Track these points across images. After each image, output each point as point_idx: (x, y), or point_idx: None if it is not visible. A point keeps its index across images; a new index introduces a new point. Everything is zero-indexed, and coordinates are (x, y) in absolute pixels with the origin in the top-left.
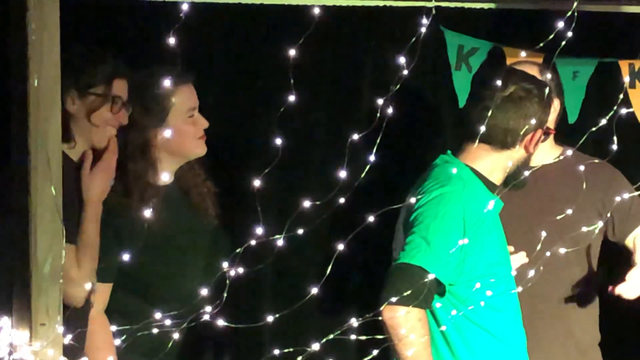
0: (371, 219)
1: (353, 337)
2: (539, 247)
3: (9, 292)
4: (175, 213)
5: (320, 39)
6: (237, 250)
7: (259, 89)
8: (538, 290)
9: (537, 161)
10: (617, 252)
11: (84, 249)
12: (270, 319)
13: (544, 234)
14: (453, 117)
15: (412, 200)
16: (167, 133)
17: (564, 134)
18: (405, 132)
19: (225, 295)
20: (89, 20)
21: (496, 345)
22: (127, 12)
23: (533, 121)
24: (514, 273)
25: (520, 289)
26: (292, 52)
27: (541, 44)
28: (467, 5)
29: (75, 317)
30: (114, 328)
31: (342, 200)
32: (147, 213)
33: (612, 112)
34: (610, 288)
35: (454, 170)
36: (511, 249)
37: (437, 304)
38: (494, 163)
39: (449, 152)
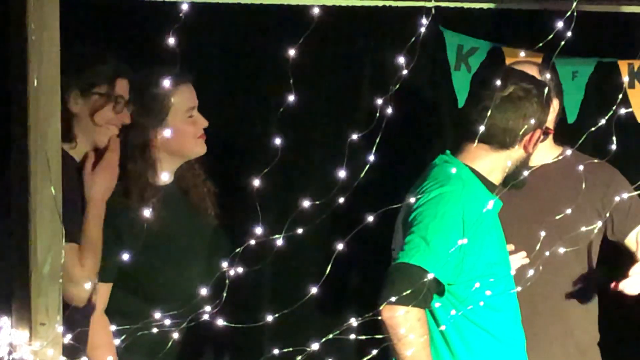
0: (370, 218)
1: (352, 336)
2: (538, 247)
3: (8, 292)
4: (175, 213)
5: (319, 39)
6: (237, 250)
7: (259, 89)
8: (537, 290)
9: (536, 161)
10: (617, 252)
11: (87, 248)
12: (269, 318)
13: (543, 233)
14: (452, 117)
15: (412, 200)
16: (166, 133)
17: (563, 134)
18: (405, 132)
19: (224, 295)
20: (88, 20)
21: (495, 345)
22: (126, 12)
23: (532, 121)
24: (513, 273)
25: (519, 288)
26: (292, 52)
27: (540, 44)
28: (466, 5)
29: (77, 317)
30: (113, 328)
31: (341, 200)
32: (147, 213)
33: (611, 112)
34: (613, 284)
35: (453, 170)
36: (511, 247)
37: (437, 304)
38: (493, 163)
39: (448, 152)
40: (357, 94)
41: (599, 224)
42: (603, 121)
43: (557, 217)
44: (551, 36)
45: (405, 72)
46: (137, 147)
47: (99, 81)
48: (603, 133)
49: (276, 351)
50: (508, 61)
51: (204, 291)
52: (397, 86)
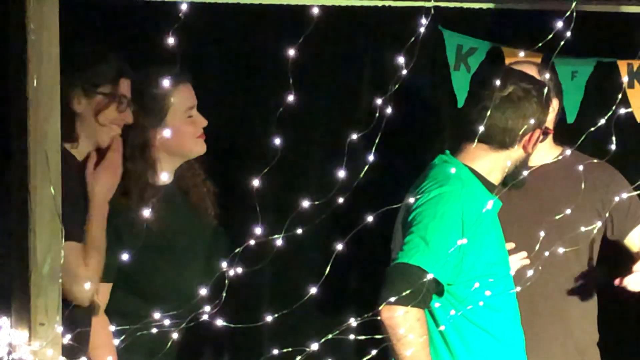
0: (370, 218)
1: (352, 337)
2: (537, 246)
3: (8, 292)
4: (174, 213)
5: (319, 39)
6: (237, 250)
7: (258, 89)
8: (537, 290)
9: (536, 161)
10: (617, 252)
11: (91, 248)
12: (269, 318)
13: (542, 233)
14: (452, 117)
15: (411, 200)
16: (166, 133)
17: (563, 134)
18: (404, 132)
19: (224, 295)
20: (87, 20)
21: (495, 345)
22: (126, 12)
23: (532, 121)
24: (513, 273)
25: (519, 288)
26: (292, 52)
27: (540, 44)
28: (465, 5)
29: (79, 317)
30: (113, 328)
31: (341, 200)
32: (147, 213)
33: (610, 112)
34: (617, 280)
35: (453, 170)
36: (512, 245)
37: (436, 304)
38: (492, 163)
39: (447, 151)
40: (356, 94)
41: (599, 223)
42: (602, 121)
43: (557, 217)
44: (550, 36)
45: (404, 72)
46: (137, 147)
47: (102, 81)
48: (602, 133)
49: (276, 351)
50: (507, 61)
51: (203, 291)
52: (397, 86)
